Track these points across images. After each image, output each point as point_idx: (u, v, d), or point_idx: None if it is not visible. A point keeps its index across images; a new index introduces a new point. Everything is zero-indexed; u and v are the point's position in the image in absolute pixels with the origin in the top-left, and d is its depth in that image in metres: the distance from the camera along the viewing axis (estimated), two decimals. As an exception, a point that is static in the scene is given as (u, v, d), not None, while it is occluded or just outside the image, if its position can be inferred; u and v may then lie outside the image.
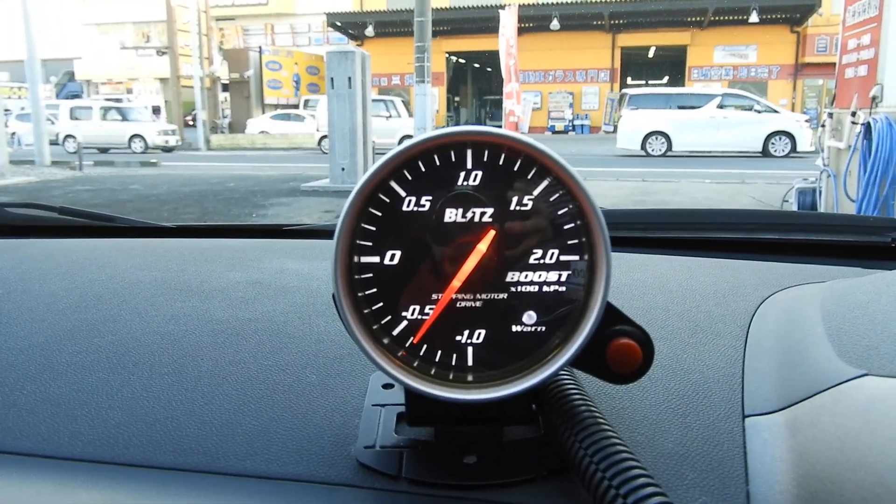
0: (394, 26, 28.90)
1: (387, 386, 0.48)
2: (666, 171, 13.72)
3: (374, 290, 0.40)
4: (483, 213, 0.39)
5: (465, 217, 0.39)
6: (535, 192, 0.39)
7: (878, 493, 0.30)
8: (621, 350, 0.40)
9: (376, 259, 0.39)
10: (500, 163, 0.39)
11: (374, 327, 0.40)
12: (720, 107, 17.34)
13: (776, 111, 16.68)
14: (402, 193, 0.39)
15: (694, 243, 0.92)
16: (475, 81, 36.28)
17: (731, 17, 27.61)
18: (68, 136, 22.44)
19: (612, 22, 28.87)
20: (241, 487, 0.42)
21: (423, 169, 0.39)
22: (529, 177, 0.39)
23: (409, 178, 0.39)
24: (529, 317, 0.40)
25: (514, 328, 0.40)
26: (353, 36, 31.26)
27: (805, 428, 0.39)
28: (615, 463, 0.35)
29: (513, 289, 0.40)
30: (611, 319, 0.40)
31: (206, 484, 0.42)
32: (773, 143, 16.41)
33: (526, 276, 0.40)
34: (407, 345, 0.40)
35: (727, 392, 0.47)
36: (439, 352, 0.40)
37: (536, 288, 0.40)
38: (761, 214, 0.99)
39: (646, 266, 0.78)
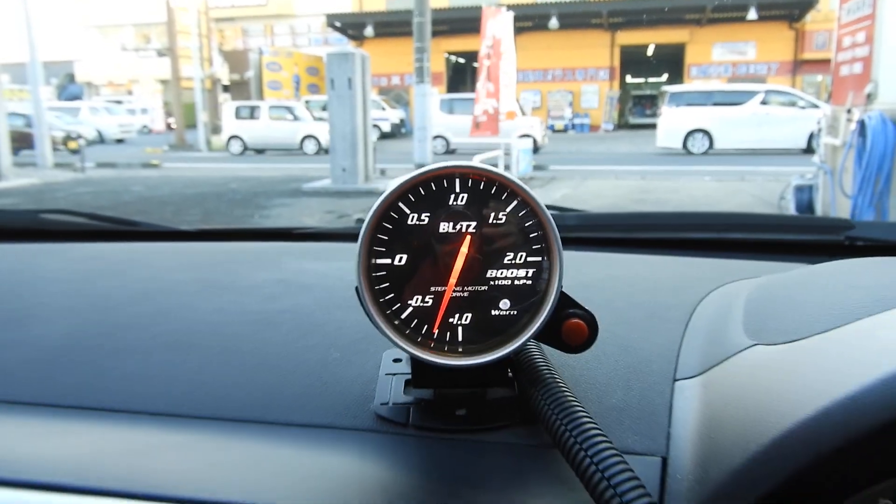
0: (393, 26, 28.96)
1: (396, 360, 0.61)
2: (664, 168, 13.77)
3: (387, 284, 0.52)
4: (468, 226, 0.51)
5: (455, 229, 0.51)
6: (507, 210, 0.51)
7: (753, 428, 0.43)
8: (572, 328, 0.53)
9: (388, 260, 0.51)
10: (481, 188, 0.51)
11: (387, 312, 0.52)
12: (763, 103, 17.15)
13: (817, 106, 15.80)
14: (408, 212, 0.51)
15: (665, 243, 1.04)
16: (474, 81, 36.32)
17: (729, 14, 27.67)
18: (233, 136, 21.34)
19: (611, 20, 28.93)
20: (289, 433, 0.55)
21: (423, 193, 0.51)
22: (503, 198, 0.51)
23: (413, 199, 0.51)
24: (504, 304, 0.52)
25: (493, 312, 0.52)
26: (353, 36, 31.33)
27: (712, 386, 0.52)
28: (569, 413, 0.46)
29: (491, 283, 0.52)
30: (565, 305, 0.53)
31: (262, 431, 0.55)
32: (816, 140, 16.11)
33: (501, 273, 0.52)
34: (413, 325, 0.51)
35: (664, 363, 0.59)
36: (437, 331, 0.52)
37: (509, 282, 0.52)
38: (729, 216, 1.10)
39: (619, 264, 0.93)
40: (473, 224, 0.51)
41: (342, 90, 10.73)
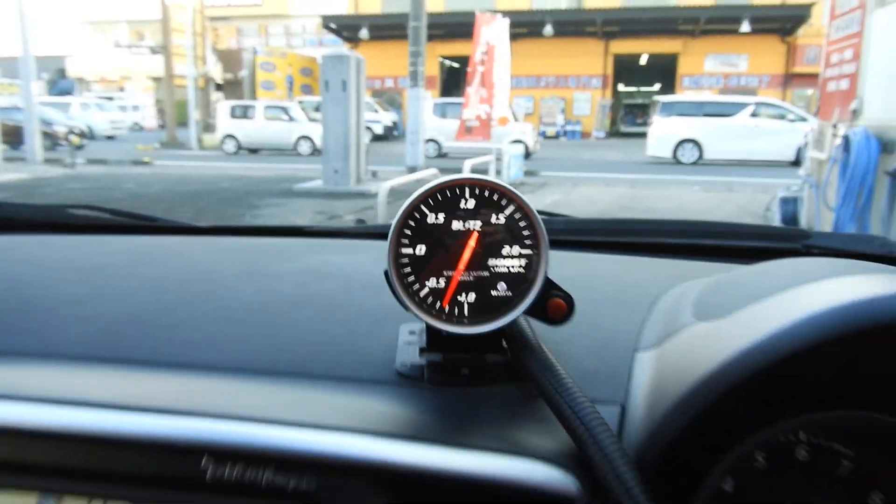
0: (388, 29, 29.04)
1: (411, 333, 0.74)
2: (654, 177, 13.89)
3: (409, 269, 0.64)
4: (475, 224, 0.64)
5: (464, 227, 0.64)
6: (506, 213, 0.64)
7: (685, 378, 0.55)
8: (555, 305, 0.66)
9: (411, 251, 0.64)
10: (486, 195, 0.64)
11: (409, 291, 0.64)
12: (753, 115, 17.32)
13: (806, 120, 16.08)
14: (427, 213, 0.64)
15: (640, 247, 1.14)
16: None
17: (722, 27, 27.92)
18: (228, 135, 21.31)
19: (605, 29, 29.14)
20: (328, 384, 0.67)
21: (440, 198, 0.64)
22: (502, 203, 0.64)
23: (432, 203, 0.64)
24: (501, 286, 0.65)
25: (492, 293, 0.65)
26: (347, 38, 31.39)
27: (663, 354, 0.65)
28: (551, 372, 0.60)
29: (491, 270, 0.65)
30: (549, 288, 0.65)
31: (306, 381, 0.68)
32: (804, 153, 16.17)
33: (499, 262, 0.65)
34: (428, 302, 0.65)
35: (628, 338, 0.72)
36: (447, 306, 0.65)
37: (506, 269, 0.65)
38: (701, 224, 1.20)
39: (598, 263, 1.06)
40: (479, 223, 0.64)
41: (336, 92, 10.78)
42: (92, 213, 1.30)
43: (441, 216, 0.63)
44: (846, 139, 5.33)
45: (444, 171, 10.40)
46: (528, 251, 0.64)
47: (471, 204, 0.64)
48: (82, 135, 20.89)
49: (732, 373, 0.52)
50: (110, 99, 34.08)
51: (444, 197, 0.64)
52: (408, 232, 0.63)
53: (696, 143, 17.48)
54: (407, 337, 0.73)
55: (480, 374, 0.67)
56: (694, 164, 17.29)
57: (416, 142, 12.74)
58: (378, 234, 1.24)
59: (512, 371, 0.66)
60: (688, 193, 11.31)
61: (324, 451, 0.56)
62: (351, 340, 0.75)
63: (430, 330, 0.67)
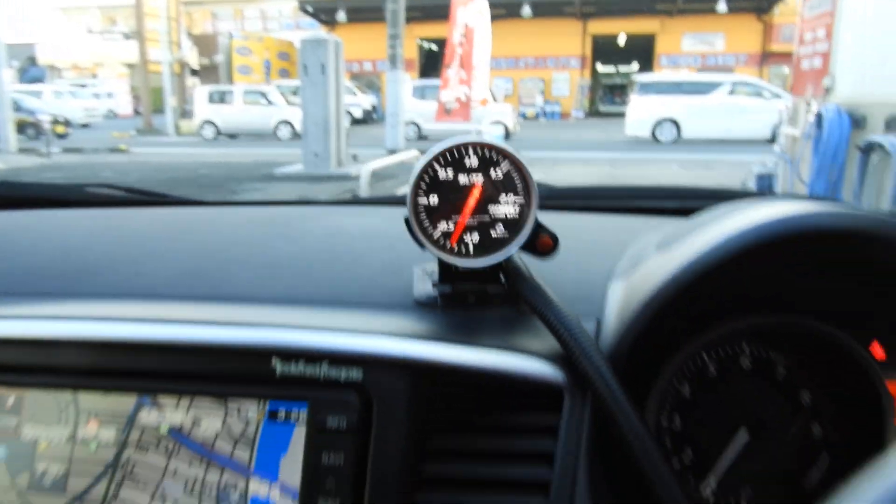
0: (365, 12, 28.81)
1: (424, 271, 0.86)
2: (633, 156, 14.00)
3: (424, 216, 0.75)
4: (478, 178, 0.75)
5: (469, 180, 0.75)
6: (503, 168, 0.75)
7: (644, 292, 0.68)
8: (543, 242, 0.77)
9: (426, 201, 0.75)
10: (486, 153, 0.75)
11: (426, 234, 0.75)
12: (730, 93, 17.39)
13: (781, 97, 16.17)
14: (439, 170, 0.74)
15: (617, 209, 1.27)
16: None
17: (699, 6, 28.02)
18: (207, 121, 21.09)
19: (583, 9, 29.13)
20: (361, 309, 0.79)
21: (449, 158, 0.74)
22: (500, 161, 0.75)
23: (442, 162, 0.74)
24: (499, 228, 0.76)
25: (492, 234, 0.76)
26: (325, 21, 31.11)
27: (630, 280, 0.76)
28: (542, 294, 0.71)
29: (491, 215, 0.76)
30: (538, 228, 0.76)
31: (342, 307, 0.80)
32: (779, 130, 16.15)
33: (498, 209, 0.75)
34: (440, 242, 0.76)
35: (604, 271, 0.84)
36: (454, 245, 0.76)
37: (503, 214, 0.76)
38: (668, 189, 1.33)
39: (582, 220, 1.20)
40: (481, 177, 0.75)
41: (315, 76, 10.73)
42: (109, 191, 1.39)
43: (450, 172, 0.75)
44: (819, 116, 5.43)
45: (424, 153, 10.39)
46: (521, 199, 0.76)
47: (474, 162, 0.75)
48: (67, 123, 20.50)
49: (673, 284, 0.65)
50: (83, 86, 33.49)
51: (452, 156, 0.75)
52: (423, 185, 0.75)
53: (674, 121, 17.58)
54: (421, 275, 0.86)
55: (484, 300, 0.79)
56: (672, 142, 17.40)
57: (395, 124, 12.72)
58: (379, 202, 1.36)
59: (509, 298, 0.79)
60: (666, 172, 11.42)
61: (367, 350, 0.68)
62: (374, 280, 0.88)
63: (442, 266, 0.79)
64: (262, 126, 20.84)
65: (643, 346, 0.68)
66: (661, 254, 0.74)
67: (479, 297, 0.79)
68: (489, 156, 0.75)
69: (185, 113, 24.11)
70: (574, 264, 0.90)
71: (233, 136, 21.15)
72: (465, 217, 0.75)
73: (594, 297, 0.79)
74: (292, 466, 0.66)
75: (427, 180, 0.75)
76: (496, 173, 0.75)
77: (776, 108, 15.26)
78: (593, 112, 32.88)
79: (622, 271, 0.81)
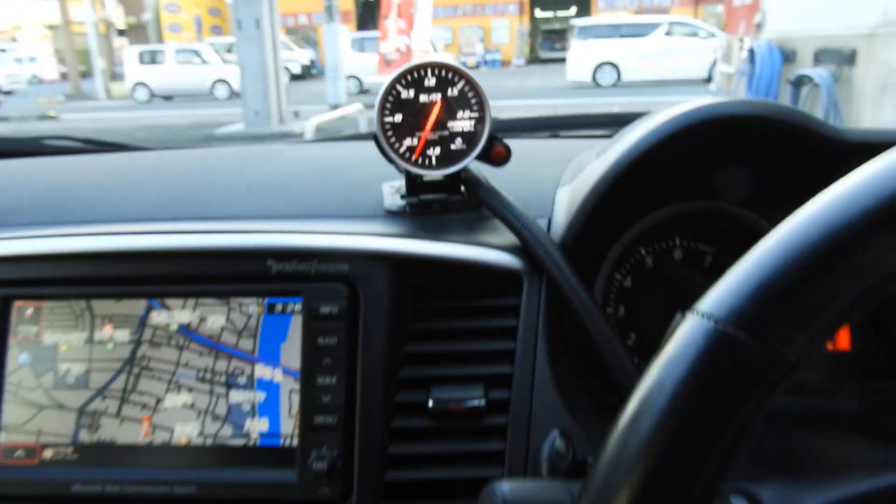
0: (297, -37, 27.91)
1: (392, 187, 0.93)
2: (575, 101, 14.14)
3: (391, 132, 0.82)
4: (437, 97, 0.83)
5: (429, 98, 0.82)
6: (458, 87, 0.83)
7: (582, 195, 0.78)
8: (497, 152, 0.85)
9: (391, 119, 0.82)
10: (443, 74, 0.82)
11: (393, 149, 0.83)
12: (667, 34, 17.54)
13: (715, 35, 16.40)
14: (402, 90, 0.82)
15: (562, 136, 1.42)
16: (384, 19, 35.53)
17: (633, -53, 27.98)
18: (138, 83, 19.96)
19: (519, -46, 28.79)
20: (341, 219, 0.87)
21: (409, 79, 0.82)
22: (456, 80, 0.83)
23: (404, 83, 0.82)
24: (458, 141, 0.84)
25: (451, 147, 0.84)
26: (255, -26, 29.99)
27: (575, 184, 0.85)
28: (499, 197, 0.81)
29: (450, 130, 0.83)
30: (492, 139, 0.84)
31: (324, 218, 0.87)
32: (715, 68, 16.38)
33: (456, 124, 0.83)
34: (405, 155, 0.84)
35: (553, 180, 0.94)
36: (418, 157, 0.84)
37: (461, 128, 0.84)
38: (605, 116, 1.48)
39: (532, 143, 1.29)
40: (439, 95, 0.83)
41: (250, 31, 10.46)
42: (67, 143, 1.40)
43: (411, 92, 0.82)
44: (751, 52, 5.63)
45: (368, 106, 10.34)
46: (476, 114, 0.84)
47: (433, 82, 0.82)
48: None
49: (610, 174, 0.76)
50: (3, 51, 31.77)
51: (413, 77, 0.83)
52: (388, 106, 0.82)
53: (613, 65, 17.73)
54: (389, 190, 0.93)
55: (447, 207, 0.88)
56: (613, 86, 17.57)
57: (336, 78, 12.55)
58: (335, 139, 1.44)
59: (469, 204, 0.88)
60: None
61: (352, 247, 0.78)
62: (346, 197, 0.96)
63: (409, 178, 0.87)
64: (197, 86, 20.18)
65: (588, 234, 0.79)
66: (598, 158, 0.84)
67: (443, 204, 0.88)
68: (446, 76, 0.83)
69: (114, 76, 23.18)
70: (524, 177, 0.99)
71: (167, 97, 20.46)
72: (427, 132, 0.83)
73: (544, 203, 0.88)
74: (291, 352, 0.75)
75: (391, 101, 0.82)
76: (453, 91, 0.83)
77: (711, 48, 15.67)
78: (534, 59, 32.81)
79: (567, 178, 0.91)
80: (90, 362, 0.76)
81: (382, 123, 0.83)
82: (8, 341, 0.76)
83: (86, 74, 23.57)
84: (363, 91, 19.02)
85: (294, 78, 23.20)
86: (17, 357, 0.76)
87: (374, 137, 0.83)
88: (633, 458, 0.37)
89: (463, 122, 0.84)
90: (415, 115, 0.83)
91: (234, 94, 18.44)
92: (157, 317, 0.76)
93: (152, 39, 27.12)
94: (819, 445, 0.69)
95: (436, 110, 0.83)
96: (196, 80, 20.18)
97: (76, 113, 17.04)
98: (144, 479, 0.73)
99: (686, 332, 0.37)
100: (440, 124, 0.83)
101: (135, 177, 1.10)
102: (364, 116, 8.96)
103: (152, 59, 20.42)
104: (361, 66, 18.62)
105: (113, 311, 0.77)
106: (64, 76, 28.80)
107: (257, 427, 0.74)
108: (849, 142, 0.74)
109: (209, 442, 0.74)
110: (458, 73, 0.83)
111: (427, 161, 0.84)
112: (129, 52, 21.35)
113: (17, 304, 0.77)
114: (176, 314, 0.76)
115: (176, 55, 20.45)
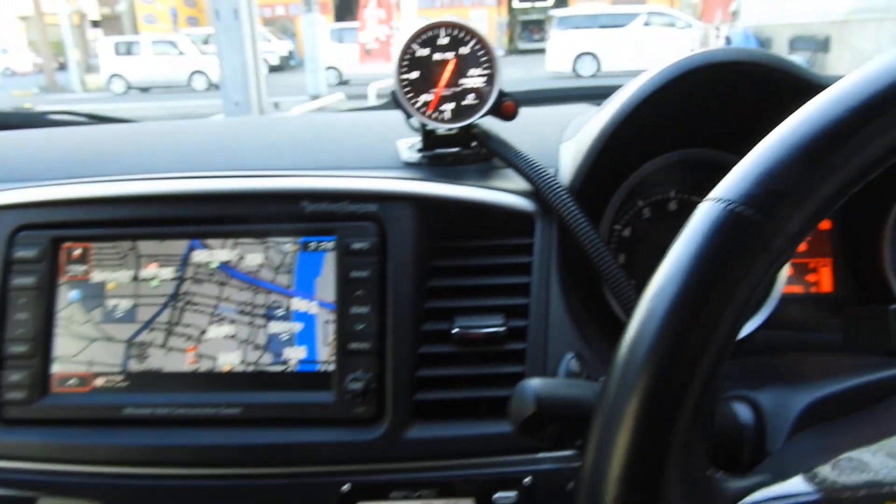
0: (274, -47, 27.64)
1: (408, 144, 0.97)
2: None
3: (409, 89, 0.88)
4: (450, 55, 0.88)
5: (443, 56, 0.88)
6: (470, 45, 0.88)
7: (586, 147, 0.86)
8: (506, 106, 0.90)
9: (409, 76, 0.87)
10: (455, 33, 0.87)
11: (410, 103, 0.88)
12: (646, 24, 17.63)
13: (692, 26, 16.23)
14: (417, 49, 0.87)
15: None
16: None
17: (610, -62, 28.06)
18: (115, 75, 19.76)
19: (497, -55, 28.74)
20: (364, 170, 0.89)
21: (425, 38, 0.87)
22: (468, 39, 0.88)
23: (420, 42, 0.87)
24: (470, 97, 0.89)
25: (463, 103, 0.89)
26: (231, -35, 29.65)
27: (577, 138, 0.93)
28: (510, 148, 0.88)
29: (462, 86, 0.89)
30: (502, 95, 0.89)
31: (348, 170, 0.89)
32: (694, 57, 16.42)
33: (468, 81, 0.89)
34: (422, 111, 0.89)
35: (557, 136, 1.00)
36: (432, 110, 0.89)
37: (473, 84, 0.89)
38: (605, 88, 1.52)
39: (537, 110, 1.33)
40: (453, 53, 0.88)
41: (228, 21, 10.29)
42: (72, 117, 1.44)
43: (427, 50, 0.88)
44: (728, 39, 5.75)
45: (350, 97, 10.37)
46: (486, 71, 0.89)
47: (446, 41, 0.88)
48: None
49: (615, 118, 0.82)
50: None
51: (428, 37, 0.88)
52: (405, 63, 0.88)
53: (593, 55, 17.85)
54: (405, 146, 0.98)
55: (460, 160, 0.93)
56: (593, 76, 17.69)
57: (316, 69, 12.49)
58: (339, 111, 1.49)
59: (481, 157, 0.94)
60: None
61: (380, 188, 0.84)
62: (365, 153, 1.01)
63: (425, 134, 0.93)
64: (174, 78, 19.97)
65: (595, 178, 0.86)
66: (601, 110, 0.90)
67: (456, 157, 0.93)
68: (458, 35, 0.88)
69: (90, 67, 22.85)
70: (531, 135, 1.05)
71: (144, 89, 20.23)
72: (441, 88, 0.88)
73: (551, 153, 0.95)
74: (325, 286, 0.81)
75: (408, 59, 0.88)
76: (465, 50, 0.88)
77: (689, 38, 15.89)
78: (513, 49, 32.82)
79: (569, 135, 0.98)
80: (136, 298, 0.81)
81: (400, 80, 0.88)
82: (58, 280, 0.81)
83: (60, 67, 23.19)
84: (343, 82, 18.94)
85: (273, 69, 22.95)
86: (67, 294, 0.81)
87: (393, 93, 0.89)
88: (657, 322, 0.42)
89: (474, 80, 0.89)
90: (430, 72, 0.88)
91: (212, 86, 18.31)
92: (199, 255, 0.82)
93: (127, 30, 26.75)
94: (807, 360, 0.77)
95: (450, 67, 0.88)
96: (173, 72, 19.95)
97: (52, 105, 16.76)
98: (192, 402, 0.79)
99: (700, 214, 0.43)
100: (453, 81, 0.89)
101: (154, 138, 1.15)
102: (346, 106, 8.97)
103: (128, 50, 20.17)
104: (340, 57, 18.55)
105: (156, 251, 0.82)
106: (38, 68, 28.33)
107: (296, 354, 0.80)
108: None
109: (251, 369, 0.80)
110: (470, 33, 0.88)
111: (441, 116, 0.90)
112: (104, 44, 21.07)
113: (66, 245, 0.82)
114: (216, 253, 0.82)
115: (152, 46, 20.22)
